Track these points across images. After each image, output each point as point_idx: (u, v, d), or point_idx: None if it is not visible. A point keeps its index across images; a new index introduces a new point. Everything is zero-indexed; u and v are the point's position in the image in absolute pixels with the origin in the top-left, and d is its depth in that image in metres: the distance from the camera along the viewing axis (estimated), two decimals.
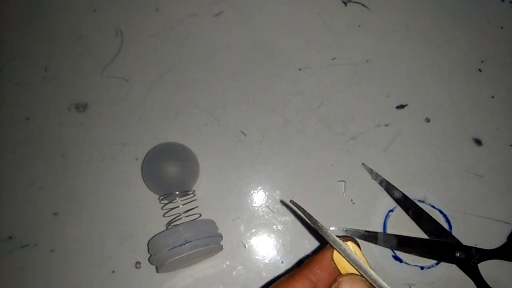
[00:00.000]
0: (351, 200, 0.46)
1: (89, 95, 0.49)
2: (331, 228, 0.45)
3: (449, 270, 0.44)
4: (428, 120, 0.48)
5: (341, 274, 0.24)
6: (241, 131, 0.48)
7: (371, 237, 0.44)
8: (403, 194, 0.45)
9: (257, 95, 0.49)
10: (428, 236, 0.44)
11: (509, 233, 0.44)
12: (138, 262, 0.44)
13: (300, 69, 0.50)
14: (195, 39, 0.51)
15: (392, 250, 0.44)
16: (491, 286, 0.42)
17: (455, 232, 0.44)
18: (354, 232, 0.44)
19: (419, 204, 0.45)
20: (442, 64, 0.50)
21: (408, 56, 0.51)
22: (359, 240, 0.43)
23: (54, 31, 0.52)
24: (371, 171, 0.47)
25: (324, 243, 0.25)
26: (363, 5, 0.52)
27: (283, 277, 0.25)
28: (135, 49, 0.51)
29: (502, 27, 0.51)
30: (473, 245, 0.44)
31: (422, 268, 0.44)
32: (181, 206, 0.43)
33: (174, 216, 0.43)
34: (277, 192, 0.46)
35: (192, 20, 0.52)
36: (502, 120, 0.48)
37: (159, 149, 0.45)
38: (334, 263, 0.25)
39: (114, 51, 0.51)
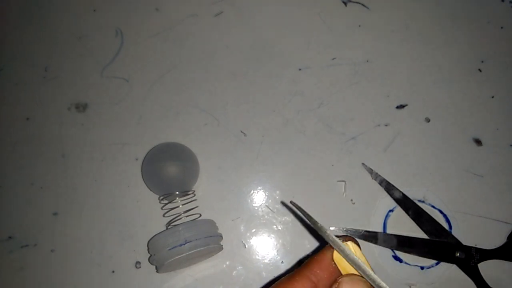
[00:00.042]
0: (351, 200, 0.46)
1: (89, 95, 0.49)
2: (331, 228, 0.45)
3: (449, 270, 0.44)
4: (428, 120, 0.48)
5: (341, 274, 0.24)
6: (241, 131, 0.48)
7: (371, 237, 0.44)
8: (403, 194, 0.45)
9: (257, 95, 0.49)
10: (428, 236, 0.44)
11: (509, 233, 0.44)
12: (138, 262, 0.44)
13: (300, 69, 0.50)
14: (195, 39, 0.51)
15: (392, 250, 0.44)
16: (491, 286, 0.42)
17: (455, 232, 0.44)
18: (354, 232, 0.44)
19: (419, 204, 0.45)
20: (442, 64, 0.50)
21: (408, 56, 0.51)
22: (359, 240, 0.44)
23: (54, 31, 0.52)
24: (371, 171, 0.47)
25: (324, 243, 0.25)
26: (363, 5, 0.52)
27: (283, 277, 0.25)
28: (135, 49, 0.51)
29: (502, 27, 0.51)
30: (473, 245, 0.44)
31: (422, 268, 0.44)
32: (181, 206, 0.43)
33: (174, 216, 0.43)
34: (277, 192, 0.46)
35: (192, 20, 0.52)
36: (502, 120, 0.48)
37: (159, 149, 0.45)
38: (334, 263, 0.25)
39: (114, 51, 0.51)
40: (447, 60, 0.50)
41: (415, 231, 0.45)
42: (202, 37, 0.51)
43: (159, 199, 0.44)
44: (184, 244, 0.39)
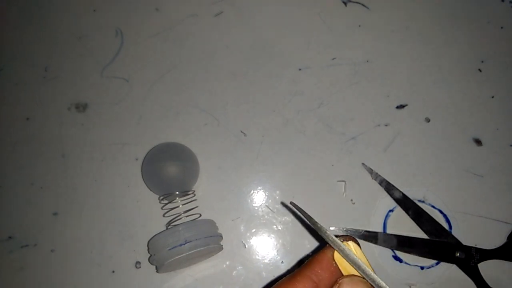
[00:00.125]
0: (351, 200, 0.46)
1: (89, 95, 0.49)
2: (331, 228, 0.45)
3: (449, 270, 0.44)
4: (428, 120, 0.48)
5: (342, 274, 0.24)
6: (241, 131, 0.48)
7: (371, 237, 0.44)
8: (403, 194, 0.45)
9: (257, 95, 0.49)
10: (428, 236, 0.44)
11: (509, 233, 0.44)
12: (138, 262, 0.44)
13: (300, 69, 0.50)
14: (195, 39, 0.51)
15: (392, 250, 0.44)
16: (491, 286, 0.42)
17: (455, 232, 0.44)
18: (354, 232, 0.44)
19: (419, 204, 0.45)
20: (442, 64, 0.50)
21: (408, 56, 0.51)
22: (359, 240, 0.44)
23: (54, 31, 0.52)
24: (371, 171, 0.47)
25: (324, 244, 0.25)
26: (363, 5, 0.52)
27: (284, 278, 0.25)
28: (135, 49, 0.51)
29: (502, 27, 0.51)
30: (473, 245, 0.44)
31: (422, 268, 0.44)
32: (181, 206, 0.43)
33: (174, 216, 0.43)
34: (277, 192, 0.46)
35: (192, 20, 0.52)
36: (502, 120, 0.48)
37: (159, 149, 0.45)
38: (335, 263, 0.25)
39: (114, 51, 0.51)
40: (447, 60, 0.50)
41: (415, 231, 0.45)
42: (202, 37, 0.51)
43: (159, 199, 0.44)
44: (184, 244, 0.39)
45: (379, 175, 0.46)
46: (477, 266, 0.43)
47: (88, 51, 0.51)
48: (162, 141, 0.47)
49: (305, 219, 0.27)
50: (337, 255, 0.25)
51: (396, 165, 0.47)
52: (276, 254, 0.45)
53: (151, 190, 0.45)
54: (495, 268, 0.43)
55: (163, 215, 0.43)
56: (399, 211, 0.45)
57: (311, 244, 0.45)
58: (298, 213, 0.27)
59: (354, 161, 0.47)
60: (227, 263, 0.44)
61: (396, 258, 0.44)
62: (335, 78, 0.50)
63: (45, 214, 0.46)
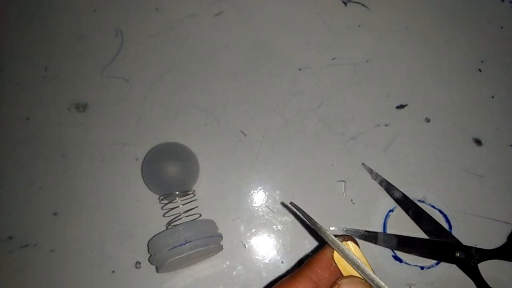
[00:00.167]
0: (351, 200, 0.46)
1: (89, 95, 0.49)
2: (331, 228, 0.45)
3: (449, 270, 0.44)
4: (428, 120, 0.48)
5: (342, 274, 0.24)
6: (241, 131, 0.48)
7: (371, 237, 0.44)
8: (403, 194, 0.45)
9: (257, 95, 0.49)
10: (428, 236, 0.44)
11: (509, 233, 0.44)
12: (138, 262, 0.44)
13: (300, 69, 0.50)
14: (195, 39, 0.51)
15: (392, 250, 0.44)
16: (491, 286, 0.42)
17: (455, 232, 0.44)
18: (354, 232, 0.44)
19: (419, 204, 0.45)
20: (442, 64, 0.50)
21: (408, 56, 0.51)
22: (359, 240, 0.44)
23: (54, 31, 0.52)
24: (371, 171, 0.47)
25: (324, 243, 0.25)
26: (363, 5, 0.52)
27: (284, 278, 0.25)
28: (135, 49, 0.51)
29: (502, 27, 0.51)
30: (473, 245, 0.44)
31: (422, 268, 0.44)
32: (181, 206, 0.43)
33: (174, 216, 0.43)
34: (277, 192, 0.46)
35: (192, 20, 0.52)
36: (502, 120, 0.48)
37: (159, 149, 0.45)
38: (335, 263, 0.25)
39: (114, 51, 0.51)
40: (447, 60, 0.50)
41: (415, 231, 0.45)
42: (202, 37, 0.51)
43: (159, 199, 0.44)
44: (184, 244, 0.39)
45: (379, 175, 0.46)
46: (477, 266, 0.43)
47: (88, 51, 0.51)
48: (162, 141, 0.47)
49: (304, 219, 0.27)
50: (336, 255, 0.25)
51: (396, 165, 0.47)
52: (276, 254, 0.45)
53: (151, 190, 0.45)
54: (495, 268, 0.43)
55: (163, 215, 0.43)
56: (399, 211, 0.45)
57: (311, 244, 0.45)
58: (298, 213, 0.27)
59: (354, 161, 0.47)
60: (227, 263, 0.44)
61: (396, 258, 0.44)
62: (335, 78, 0.50)
63: (45, 214, 0.46)
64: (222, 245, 0.43)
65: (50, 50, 0.51)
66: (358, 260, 0.24)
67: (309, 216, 0.26)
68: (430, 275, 0.44)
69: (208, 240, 0.40)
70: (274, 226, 0.46)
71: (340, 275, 0.24)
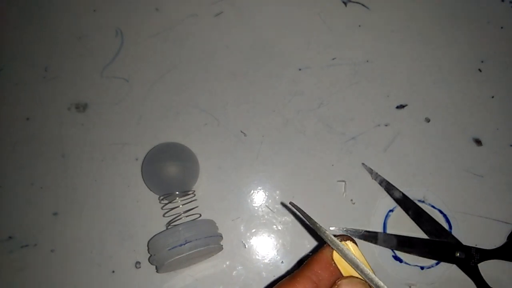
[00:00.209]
0: (351, 200, 0.46)
1: (89, 95, 0.49)
2: (331, 228, 0.45)
3: (449, 270, 0.44)
4: (428, 120, 0.48)
5: (341, 274, 0.24)
6: (241, 131, 0.48)
7: (371, 237, 0.44)
8: (403, 194, 0.45)
9: (257, 95, 0.49)
10: (428, 236, 0.44)
11: (509, 233, 0.44)
12: (138, 262, 0.44)
13: (300, 69, 0.50)
14: (195, 39, 0.51)
15: (392, 250, 0.44)
16: (491, 286, 0.42)
17: (455, 232, 0.44)
18: (354, 232, 0.44)
19: (419, 204, 0.45)
20: (442, 64, 0.50)
21: (408, 56, 0.51)
22: (359, 240, 0.44)
23: (54, 31, 0.52)
24: (371, 171, 0.47)
25: (323, 243, 0.25)
26: (363, 5, 0.52)
27: (284, 279, 0.25)
28: (135, 49, 0.51)
29: (502, 27, 0.51)
30: (473, 245, 0.44)
31: (422, 268, 0.44)
32: (181, 206, 0.43)
33: (174, 216, 0.43)
34: (277, 192, 0.46)
35: (192, 20, 0.52)
36: (502, 120, 0.48)
37: (159, 149, 0.45)
38: (335, 263, 0.25)
39: (114, 51, 0.51)
40: (447, 60, 0.50)
41: (415, 231, 0.45)
42: (202, 37, 0.51)
43: (159, 199, 0.44)
44: (184, 244, 0.39)
45: (379, 175, 0.46)
46: (477, 266, 0.43)
47: (88, 51, 0.51)
48: (162, 141, 0.47)
49: (304, 219, 0.27)
50: (336, 255, 0.25)
51: (396, 165, 0.47)
52: (276, 254, 0.45)
53: (151, 190, 0.45)
54: (495, 268, 0.43)
55: (163, 215, 0.43)
56: (399, 211, 0.45)
57: (311, 244, 0.45)
58: (298, 213, 0.27)
59: (354, 161, 0.47)
60: (227, 263, 0.44)
61: (396, 258, 0.44)
62: (335, 78, 0.50)
63: (45, 214, 0.46)
64: (222, 245, 0.43)
65: (50, 50, 0.51)
66: (358, 260, 0.24)
67: (309, 216, 0.26)
68: (430, 275, 0.44)
69: (208, 240, 0.40)
70: (274, 226, 0.46)
71: (339, 275, 0.24)
